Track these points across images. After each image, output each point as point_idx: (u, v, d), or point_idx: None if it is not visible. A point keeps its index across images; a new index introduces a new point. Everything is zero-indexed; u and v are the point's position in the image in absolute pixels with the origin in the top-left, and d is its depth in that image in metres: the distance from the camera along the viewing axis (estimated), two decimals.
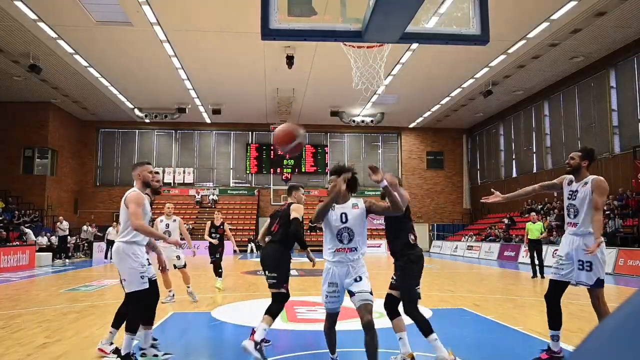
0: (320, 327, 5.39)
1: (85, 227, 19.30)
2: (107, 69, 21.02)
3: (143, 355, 4.49)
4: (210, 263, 10.08)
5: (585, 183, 4.41)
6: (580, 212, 4.39)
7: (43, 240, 19.94)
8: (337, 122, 29.22)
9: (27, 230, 19.36)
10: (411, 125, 32.02)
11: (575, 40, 17.83)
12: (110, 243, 19.66)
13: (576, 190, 4.45)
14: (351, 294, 3.75)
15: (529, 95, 25.05)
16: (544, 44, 18.13)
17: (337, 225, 3.81)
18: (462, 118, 29.99)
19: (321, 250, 4.38)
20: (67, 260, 18.76)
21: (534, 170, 25.76)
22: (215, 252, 9.94)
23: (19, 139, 25.72)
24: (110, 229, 19.64)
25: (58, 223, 19.23)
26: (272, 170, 31.83)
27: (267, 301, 4.80)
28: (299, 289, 10.37)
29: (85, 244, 19.84)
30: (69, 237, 19.74)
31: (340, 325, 6.23)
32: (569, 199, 4.50)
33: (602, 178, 4.41)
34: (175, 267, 8.32)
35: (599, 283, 4.28)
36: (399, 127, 32.10)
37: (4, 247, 15.97)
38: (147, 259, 4.54)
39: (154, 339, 4.71)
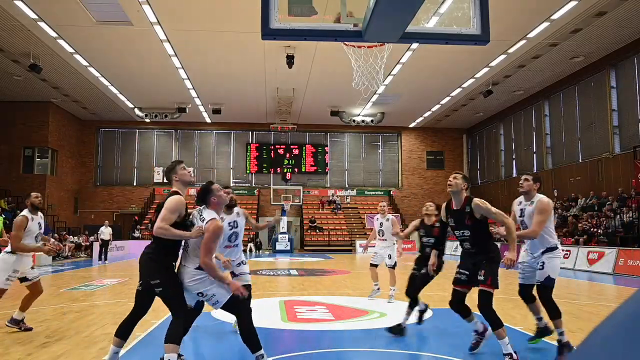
0: (320, 327, 5.41)
1: (103, 228, 19.65)
2: (107, 69, 21.02)
3: None
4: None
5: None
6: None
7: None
8: (337, 122, 29.22)
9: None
10: (411, 125, 32.02)
11: (575, 40, 17.82)
12: (103, 243, 19.66)
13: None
14: None
15: (529, 95, 25.05)
16: (544, 44, 18.13)
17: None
18: (462, 118, 29.99)
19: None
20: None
21: (534, 170, 25.75)
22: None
23: (19, 139, 25.73)
24: (102, 228, 19.68)
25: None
26: (272, 170, 31.84)
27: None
28: (299, 289, 10.37)
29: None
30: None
31: (340, 325, 6.24)
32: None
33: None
34: None
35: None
36: (399, 127, 32.11)
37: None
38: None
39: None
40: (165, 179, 4.45)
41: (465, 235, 4.60)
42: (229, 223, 5.57)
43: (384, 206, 8.59)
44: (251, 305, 5.26)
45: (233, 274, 5.55)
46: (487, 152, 31.31)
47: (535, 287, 4.98)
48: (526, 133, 26.42)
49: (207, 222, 3.94)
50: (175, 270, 4.09)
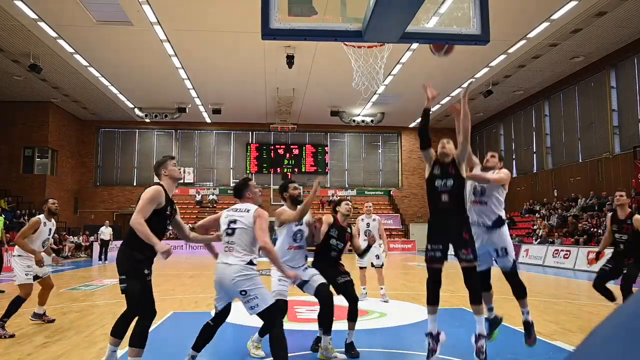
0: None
1: (103, 228, 19.72)
2: (107, 69, 21.02)
3: None
4: None
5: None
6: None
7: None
8: (337, 122, 29.22)
9: None
10: (411, 125, 32.00)
11: (575, 40, 17.82)
12: (103, 243, 19.69)
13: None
14: None
15: (529, 95, 25.05)
16: (544, 44, 18.13)
17: None
18: None
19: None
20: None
21: (534, 170, 25.76)
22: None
23: (19, 139, 25.73)
24: (102, 228, 19.72)
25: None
26: (272, 170, 31.84)
27: None
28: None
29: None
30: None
31: (340, 325, 6.22)
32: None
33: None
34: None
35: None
36: (399, 127, 32.10)
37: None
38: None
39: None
40: (154, 173, 4.28)
41: (448, 185, 4.43)
42: None
43: (370, 207, 8.64)
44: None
45: (304, 282, 4.98)
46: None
47: (488, 272, 4.92)
48: (526, 133, 26.42)
49: (255, 210, 4.06)
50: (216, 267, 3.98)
